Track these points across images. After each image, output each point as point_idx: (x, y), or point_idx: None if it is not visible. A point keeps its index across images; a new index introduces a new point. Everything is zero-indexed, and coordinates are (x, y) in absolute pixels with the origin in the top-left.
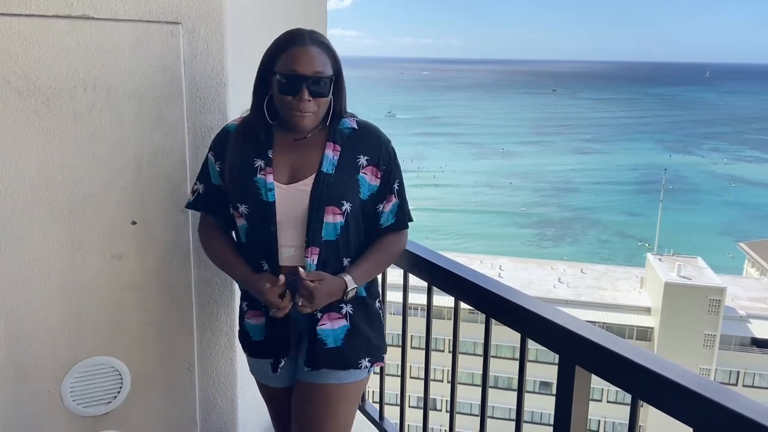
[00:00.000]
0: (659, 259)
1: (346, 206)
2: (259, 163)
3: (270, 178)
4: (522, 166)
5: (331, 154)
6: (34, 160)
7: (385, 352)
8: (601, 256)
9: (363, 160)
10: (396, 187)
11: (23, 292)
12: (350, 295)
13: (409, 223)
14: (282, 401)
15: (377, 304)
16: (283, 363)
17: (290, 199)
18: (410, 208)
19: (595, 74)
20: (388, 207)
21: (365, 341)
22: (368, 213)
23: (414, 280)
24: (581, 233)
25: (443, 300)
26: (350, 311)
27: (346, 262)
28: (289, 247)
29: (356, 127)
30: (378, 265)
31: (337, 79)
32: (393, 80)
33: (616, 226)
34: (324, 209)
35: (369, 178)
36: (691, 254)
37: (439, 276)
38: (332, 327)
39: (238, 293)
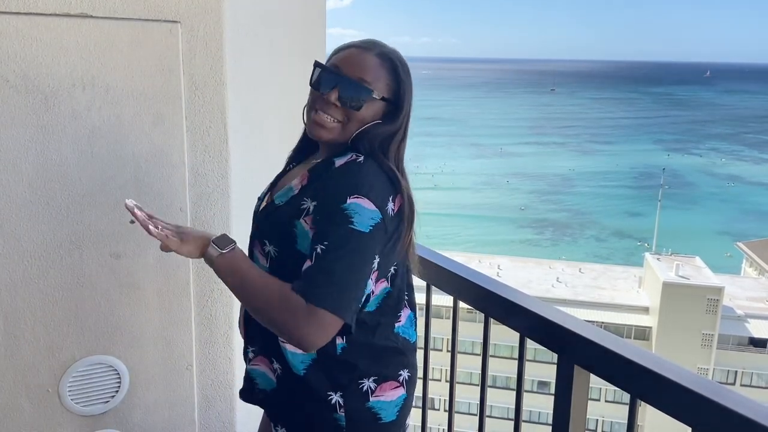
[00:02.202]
0: (657, 259)
1: (270, 249)
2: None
3: (266, 189)
4: (521, 165)
5: (297, 185)
6: (33, 158)
7: None
8: (599, 255)
9: (310, 204)
10: (318, 252)
11: (21, 290)
12: (207, 258)
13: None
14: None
15: (336, 397)
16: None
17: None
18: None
19: (594, 74)
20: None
21: (286, 414)
22: None
23: (413, 279)
24: (579, 233)
25: (442, 299)
26: (279, 371)
27: None
28: None
29: (336, 167)
30: (257, 284)
31: (394, 107)
32: None
33: (614, 225)
34: (254, 241)
35: (309, 228)
36: (690, 254)
37: (438, 275)
38: (264, 371)
39: None
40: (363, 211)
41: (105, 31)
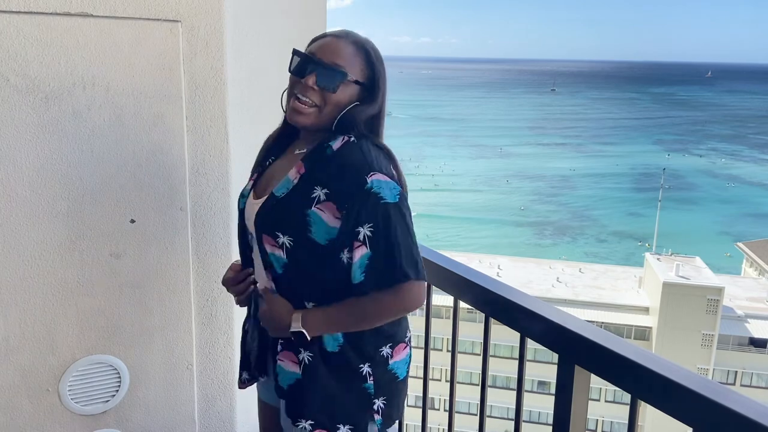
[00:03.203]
0: (657, 259)
1: (284, 240)
2: (258, 169)
3: (250, 185)
4: (521, 166)
5: (293, 175)
6: (33, 158)
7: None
8: (599, 255)
9: (320, 193)
10: (367, 234)
11: (21, 290)
12: (296, 336)
13: (410, 278)
14: (267, 416)
15: (365, 369)
16: (245, 377)
17: (250, 213)
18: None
19: (594, 74)
20: (355, 258)
21: (309, 402)
22: (332, 262)
23: None
24: (580, 233)
25: (442, 299)
26: (306, 361)
27: (309, 305)
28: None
29: (335, 150)
30: (343, 318)
31: (369, 89)
32: (392, 79)
33: (614, 225)
34: (261, 236)
35: (326, 218)
36: (690, 254)
37: (439, 275)
38: (285, 367)
39: None
40: (384, 184)
41: (105, 31)
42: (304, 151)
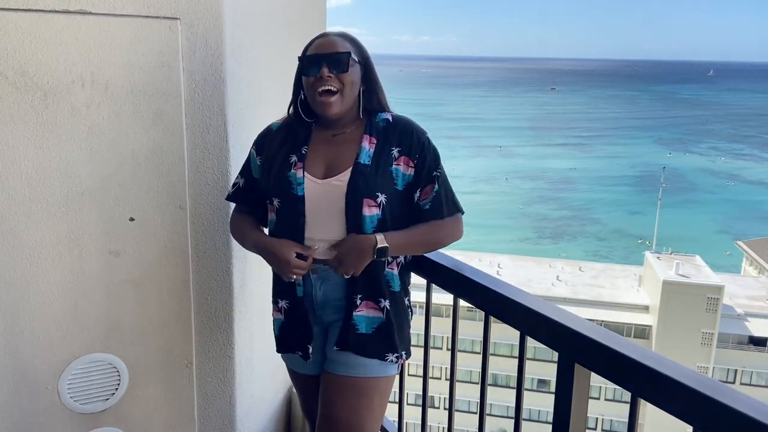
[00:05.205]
0: (657, 257)
1: (381, 198)
2: (294, 158)
3: (300, 173)
4: (521, 164)
5: (367, 146)
6: (31, 155)
7: (409, 352)
8: (599, 254)
9: (395, 151)
10: (435, 175)
11: (20, 288)
12: (380, 253)
13: (461, 214)
14: (311, 388)
15: (407, 302)
16: (311, 350)
17: (324, 193)
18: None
19: (595, 72)
20: (427, 195)
21: (394, 336)
22: (408, 202)
23: (413, 278)
24: (579, 231)
25: (442, 297)
26: (387, 306)
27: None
28: (319, 241)
29: (390, 120)
30: (415, 238)
31: (366, 68)
32: (392, 77)
33: (614, 224)
34: (361, 201)
35: (403, 168)
36: (690, 252)
37: (438, 273)
38: (367, 315)
39: (236, 290)
40: (433, 142)
41: (104, 28)
42: (345, 131)
